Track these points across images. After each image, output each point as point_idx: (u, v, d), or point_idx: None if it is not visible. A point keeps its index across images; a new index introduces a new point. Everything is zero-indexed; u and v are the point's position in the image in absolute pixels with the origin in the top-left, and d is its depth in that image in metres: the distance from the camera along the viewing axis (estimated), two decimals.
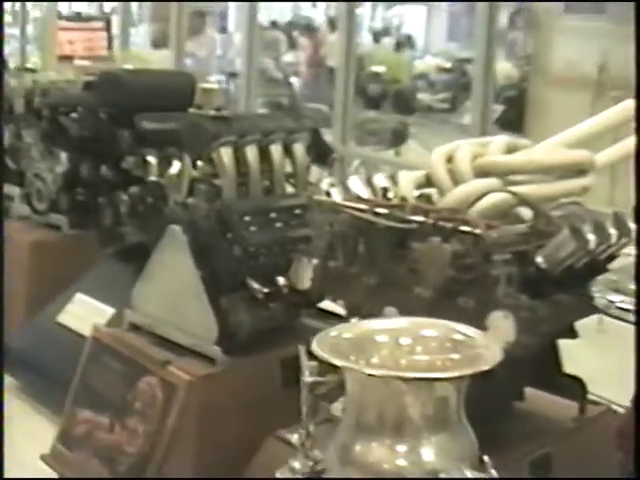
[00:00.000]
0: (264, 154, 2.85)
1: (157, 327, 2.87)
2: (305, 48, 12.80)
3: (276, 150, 2.87)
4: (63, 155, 3.98)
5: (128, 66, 6.41)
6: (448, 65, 12.31)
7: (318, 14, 13.68)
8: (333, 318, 2.47)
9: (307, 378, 1.49)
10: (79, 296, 3.75)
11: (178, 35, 6.45)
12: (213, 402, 2.57)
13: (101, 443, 2.50)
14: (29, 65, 9.85)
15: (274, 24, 13.05)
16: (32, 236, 4.26)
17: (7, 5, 11.06)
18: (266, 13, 11.50)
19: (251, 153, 2.79)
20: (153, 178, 3.36)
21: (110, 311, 3.51)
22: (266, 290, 2.70)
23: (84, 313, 3.63)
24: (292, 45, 12.92)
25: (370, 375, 1.35)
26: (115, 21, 9.88)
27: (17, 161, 4.84)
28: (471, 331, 1.47)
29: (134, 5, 15.62)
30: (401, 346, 1.45)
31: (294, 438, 1.55)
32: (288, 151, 2.92)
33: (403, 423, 1.36)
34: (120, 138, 3.54)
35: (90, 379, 2.65)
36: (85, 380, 2.67)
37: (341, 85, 4.86)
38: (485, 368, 1.34)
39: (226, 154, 2.73)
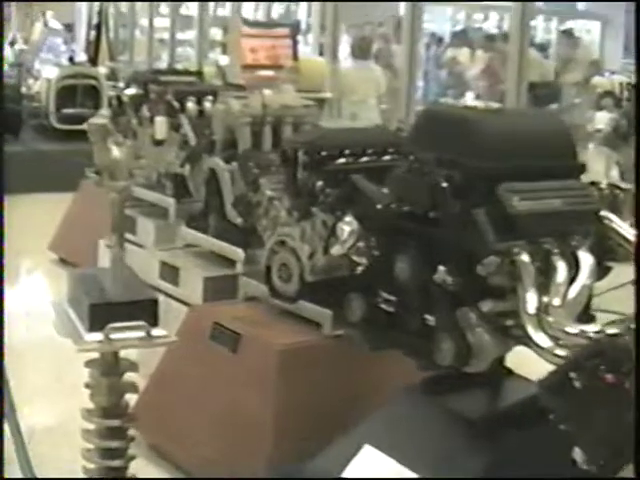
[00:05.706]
0: None
1: None
2: None
3: None
4: (343, 229, 2.61)
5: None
6: None
7: None
8: None
9: None
10: (368, 450, 2.40)
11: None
12: None
13: None
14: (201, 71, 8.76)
15: None
16: (281, 337, 2.94)
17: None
18: None
19: None
20: (532, 295, 2.04)
21: None
22: None
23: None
24: None
25: None
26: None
27: (247, 216, 3.53)
28: None
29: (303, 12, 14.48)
30: None
31: None
32: None
33: None
34: (470, 222, 2.15)
35: None
36: None
37: None
38: None
39: None
